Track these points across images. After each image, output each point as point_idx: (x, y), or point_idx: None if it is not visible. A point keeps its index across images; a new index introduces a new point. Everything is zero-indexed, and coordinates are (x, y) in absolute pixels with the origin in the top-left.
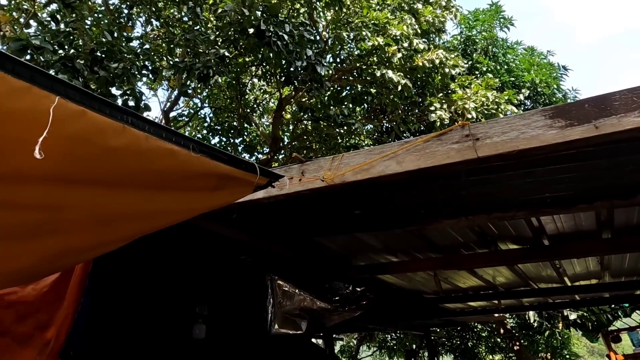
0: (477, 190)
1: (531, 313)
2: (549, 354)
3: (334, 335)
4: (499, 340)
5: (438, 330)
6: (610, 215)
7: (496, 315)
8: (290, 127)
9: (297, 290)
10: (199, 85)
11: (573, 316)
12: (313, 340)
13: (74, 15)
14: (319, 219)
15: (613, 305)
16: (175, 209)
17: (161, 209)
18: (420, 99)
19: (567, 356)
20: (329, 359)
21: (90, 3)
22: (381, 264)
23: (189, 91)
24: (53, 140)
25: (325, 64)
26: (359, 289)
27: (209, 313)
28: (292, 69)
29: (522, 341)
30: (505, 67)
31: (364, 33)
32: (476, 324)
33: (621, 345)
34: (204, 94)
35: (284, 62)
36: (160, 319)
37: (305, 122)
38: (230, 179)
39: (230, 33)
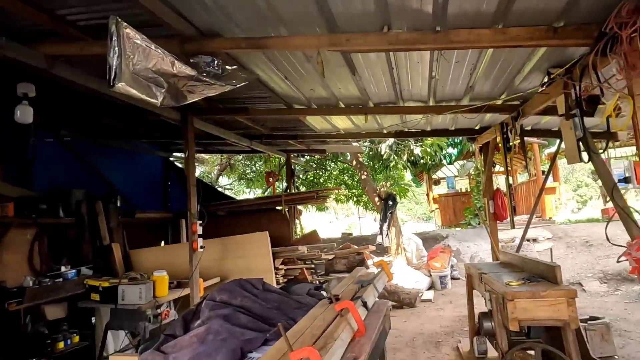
0: None
1: (384, 146)
2: (388, 182)
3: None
4: (345, 178)
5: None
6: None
7: (355, 144)
8: None
9: (152, 46)
10: None
11: (418, 150)
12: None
13: None
14: None
15: (444, 153)
16: None
17: None
18: None
19: (403, 185)
20: None
21: None
22: (260, 38)
23: None
24: None
25: None
26: (230, 67)
27: None
28: None
29: (369, 171)
30: None
31: None
32: (333, 164)
33: (439, 187)
34: None
35: None
36: None
37: None
38: None
39: None
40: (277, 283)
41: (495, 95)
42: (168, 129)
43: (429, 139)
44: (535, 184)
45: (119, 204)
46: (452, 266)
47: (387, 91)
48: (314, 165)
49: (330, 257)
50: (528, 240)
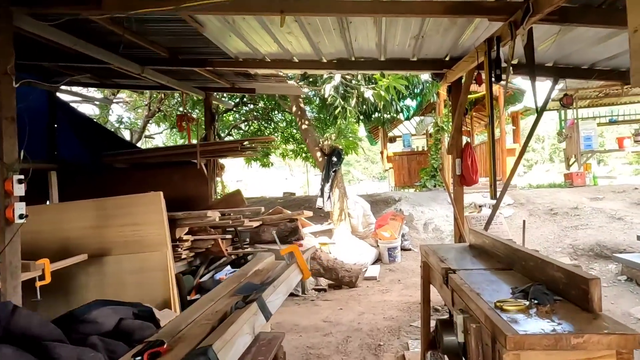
0: None
1: (327, 88)
2: (333, 135)
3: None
4: (294, 131)
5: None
6: None
7: (291, 82)
8: None
9: None
10: None
11: (369, 93)
12: None
13: None
14: None
15: (402, 105)
16: None
17: None
18: None
19: (351, 138)
20: None
21: None
22: None
23: None
24: None
25: None
26: None
27: None
28: None
29: (313, 122)
30: None
31: None
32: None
33: (394, 146)
34: None
35: None
36: None
37: None
38: None
39: None
40: (180, 259)
41: None
42: (53, 52)
43: (384, 80)
44: (498, 144)
45: None
46: (403, 235)
47: None
48: (258, 115)
49: (256, 224)
50: (486, 206)
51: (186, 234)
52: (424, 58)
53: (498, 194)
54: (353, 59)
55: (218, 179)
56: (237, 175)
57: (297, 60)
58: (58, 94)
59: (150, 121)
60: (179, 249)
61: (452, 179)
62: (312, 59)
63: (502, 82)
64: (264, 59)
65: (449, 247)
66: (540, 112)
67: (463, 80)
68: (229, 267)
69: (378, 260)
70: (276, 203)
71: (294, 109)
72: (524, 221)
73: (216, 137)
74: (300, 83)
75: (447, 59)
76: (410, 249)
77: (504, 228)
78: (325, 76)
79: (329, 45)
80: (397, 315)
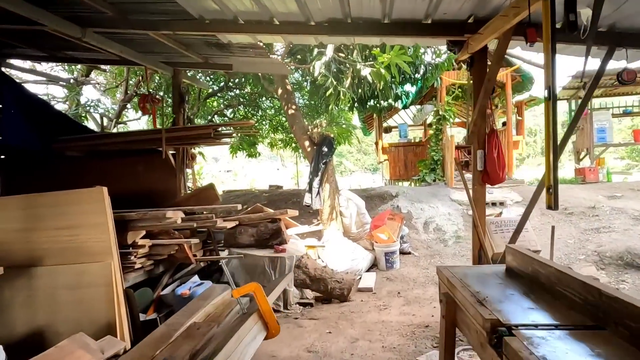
0: None
1: (317, 65)
2: (324, 122)
3: None
4: (284, 119)
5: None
6: None
7: (274, 57)
8: None
9: None
10: None
11: (366, 71)
12: None
13: None
14: None
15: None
16: None
17: None
18: None
19: (344, 125)
20: None
21: None
22: None
23: None
24: None
25: None
26: None
27: None
28: None
29: (297, 105)
30: None
31: None
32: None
33: (390, 136)
34: None
35: None
36: None
37: None
38: None
39: None
40: (133, 269)
41: None
42: None
43: (385, 56)
44: (504, 135)
45: None
46: (402, 237)
47: None
48: (245, 101)
49: (230, 225)
50: (494, 204)
51: (144, 237)
52: (440, 20)
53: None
54: (349, 20)
55: (189, 170)
56: (226, 166)
57: (277, 23)
58: (3, 69)
59: (127, 106)
60: (132, 257)
61: (469, 175)
62: (297, 21)
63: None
64: (236, 20)
65: (478, 271)
66: (590, 90)
67: (493, 48)
68: (196, 277)
69: (374, 265)
70: (261, 197)
71: (280, 91)
72: (552, 228)
73: (187, 121)
74: (286, 60)
75: (470, 21)
76: (410, 253)
77: (530, 236)
78: (315, 52)
79: (319, 1)
80: (400, 344)
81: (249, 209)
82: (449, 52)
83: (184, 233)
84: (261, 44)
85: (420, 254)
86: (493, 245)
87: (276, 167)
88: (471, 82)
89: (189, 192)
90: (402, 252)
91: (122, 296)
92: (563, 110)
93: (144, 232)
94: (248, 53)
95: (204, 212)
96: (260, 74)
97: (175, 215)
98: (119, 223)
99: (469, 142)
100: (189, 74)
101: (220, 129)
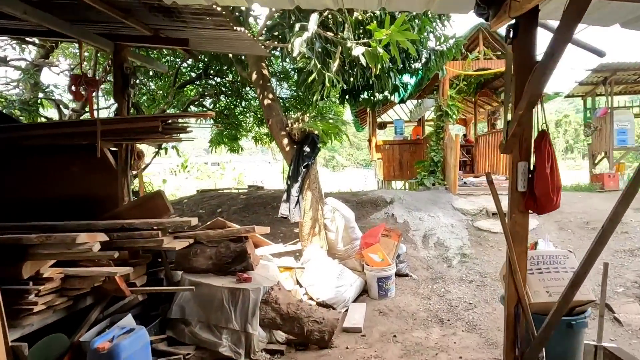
0: None
1: (297, 42)
2: (307, 115)
3: None
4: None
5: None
6: None
7: (241, 29)
8: None
9: None
10: None
11: (359, 51)
12: None
13: None
14: None
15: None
16: None
17: None
18: None
19: (332, 120)
20: None
21: None
22: None
23: None
24: None
25: None
26: None
27: None
28: None
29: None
30: None
31: None
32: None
33: (384, 132)
34: None
35: None
36: None
37: None
38: None
39: None
40: (34, 312)
41: None
42: None
43: (383, 31)
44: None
45: None
46: (398, 256)
47: None
48: (227, 91)
49: (181, 245)
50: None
51: (54, 265)
52: None
53: None
54: None
55: (133, 172)
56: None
57: None
58: None
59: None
60: (31, 296)
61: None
62: None
63: None
64: None
65: None
66: None
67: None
68: (129, 317)
69: (364, 292)
70: (237, 199)
71: (255, 76)
72: (605, 265)
73: (133, 110)
74: (261, 38)
75: None
76: (407, 275)
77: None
78: (297, 28)
79: None
80: None
81: (209, 223)
82: (478, 16)
83: (108, 259)
84: (218, 8)
85: (419, 277)
86: (530, 292)
87: (267, 161)
88: (512, 61)
89: (133, 200)
90: (399, 274)
91: (4, 356)
92: (576, 108)
93: (51, 262)
94: (206, 24)
95: (151, 228)
96: (231, 55)
97: (91, 240)
98: (12, 249)
99: (504, 152)
100: (141, 54)
101: (170, 121)
